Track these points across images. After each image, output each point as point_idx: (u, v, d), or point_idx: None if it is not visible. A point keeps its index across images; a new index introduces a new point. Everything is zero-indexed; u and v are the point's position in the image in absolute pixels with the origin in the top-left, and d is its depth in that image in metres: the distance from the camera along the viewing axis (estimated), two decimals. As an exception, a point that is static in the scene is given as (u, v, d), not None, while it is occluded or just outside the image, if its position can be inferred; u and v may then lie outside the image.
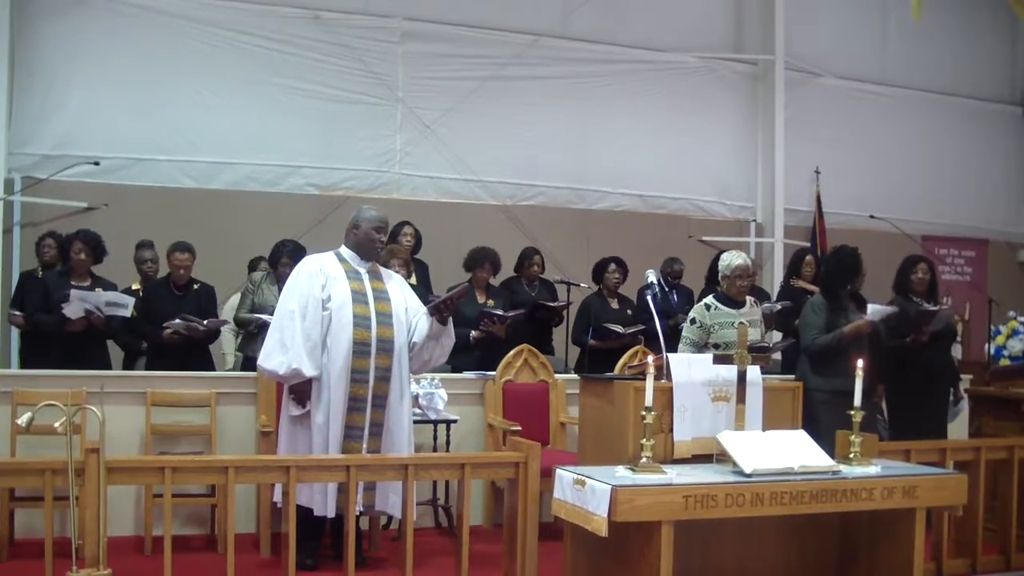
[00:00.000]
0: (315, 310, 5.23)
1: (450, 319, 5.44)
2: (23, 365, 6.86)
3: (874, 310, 6.27)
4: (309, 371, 5.18)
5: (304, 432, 5.27)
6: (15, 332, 8.16)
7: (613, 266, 7.84)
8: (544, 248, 8.37)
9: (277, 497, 5.41)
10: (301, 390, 5.24)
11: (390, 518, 6.07)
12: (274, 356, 5.21)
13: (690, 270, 8.53)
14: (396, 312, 5.38)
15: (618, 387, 5.01)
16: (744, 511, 4.17)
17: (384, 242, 5.54)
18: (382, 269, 5.61)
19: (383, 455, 5.18)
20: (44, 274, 7.18)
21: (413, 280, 6.64)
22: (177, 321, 6.46)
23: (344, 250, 5.50)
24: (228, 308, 7.58)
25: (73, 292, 6.35)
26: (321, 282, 5.28)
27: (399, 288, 5.55)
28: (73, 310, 6.31)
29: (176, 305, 6.61)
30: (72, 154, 8.45)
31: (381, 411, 5.29)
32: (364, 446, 5.23)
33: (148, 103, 8.73)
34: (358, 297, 5.30)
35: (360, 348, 5.23)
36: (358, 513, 5.15)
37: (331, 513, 5.17)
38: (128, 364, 7.27)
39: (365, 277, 5.41)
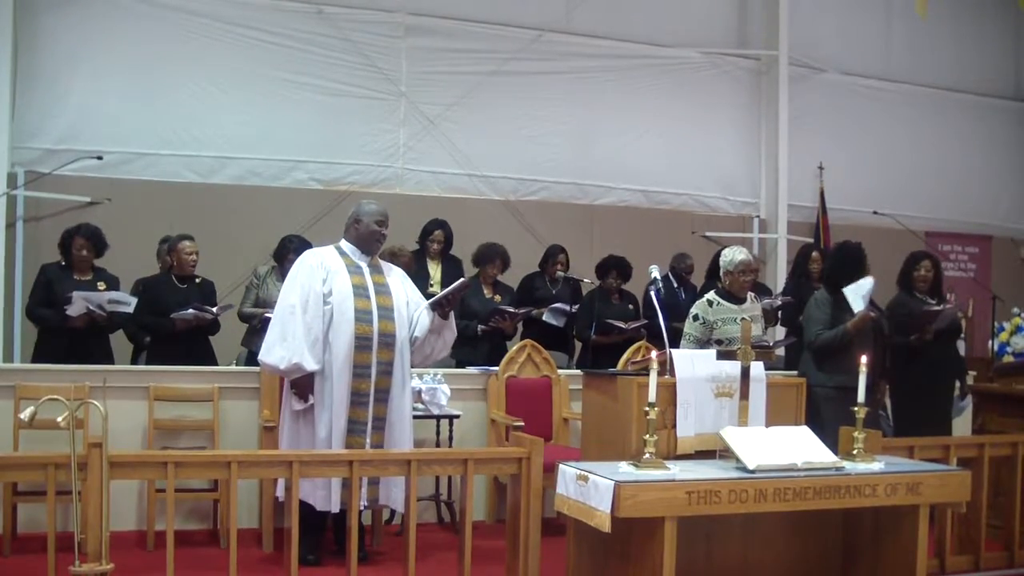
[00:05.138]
0: (316, 304, 5.22)
1: (451, 313, 5.44)
2: (34, 359, 6.83)
3: (851, 293, 6.16)
4: (310, 365, 5.16)
5: (307, 427, 5.27)
6: (18, 326, 8.17)
7: (615, 272, 7.82)
8: (547, 243, 8.35)
9: (280, 492, 5.42)
10: (302, 384, 5.22)
11: (392, 513, 6.07)
12: (275, 350, 5.19)
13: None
14: (397, 306, 5.37)
15: (621, 383, 5.01)
16: (747, 507, 4.17)
17: (385, 235, 5.51)
18: (382, 263, 5.60)
19: (385, 450, 5.18)
20: (46, 268, 7.16)
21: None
22: (189, 311, 6.47)
23: (344, 244, 5.49)
24: None
25: (76, 294, 6.35)
26: (322, 276, 5.27)
27: (400, 281, 5.54)
28: (76, 310, 6.33)
29: (180, 297, 6.62)
30: (75, 148, 8.43)
31: (384, 405, 5.29)
32: (368, 440, 5.23)
33: (151, 97, 8.71)
34: (359, 291, 5.29)
35: (362, 342, 5.22)
36: (362, 508, 5.16)
37: (335, 508, 5.16)
38: (135, 358, 7.27)
39: (366, 271, 5.40)
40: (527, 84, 9.94)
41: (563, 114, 10.10)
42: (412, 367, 5.59)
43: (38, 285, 6.68)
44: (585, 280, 8.10)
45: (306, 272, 5.31)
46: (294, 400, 5.29)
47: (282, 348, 5.18)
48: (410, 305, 5.45)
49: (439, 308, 5.35)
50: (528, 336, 7.36)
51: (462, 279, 5.53)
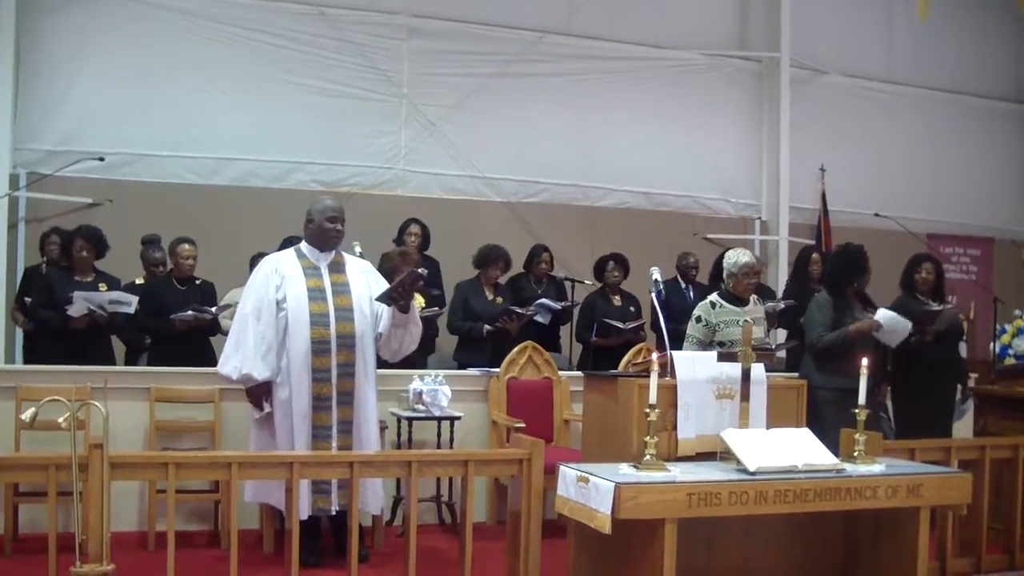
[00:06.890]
0: (269, 312, 5.22)
1: (413, 306, 5.35)
2: (27, 360, 6.85)
3: (883, 315, 6.23)
4: (260, 374, 5.18)
5: (271, 435, 5.26)
6: (20, 327, 8.18)
7: (612, 264, 7.83)
8: (549, 245, 8.35)
9: (248, 497, 5.40)
10: (256, 394, 5.24)
11: (393, 515, 6.08)
12: (229, 360, 5.23)
13: (694, 268, 8.50)
14: (358, 305, 5.32)
15: (622, 384, 5.01)
16: (748, 509, 4.17)
17: (341, 231, 5.43)
18: (346, 257, 5.54)
19: (386, 452, 5.18)
20: (48, 270, 7.19)
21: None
22: (188, 313, 6.48)
23: (304, 245, 5.47)
24: (228, 299, 7.57)
25: (76, 294, 6.36)
26: (276, 283, 5.26)
27: (363, 277, 5.47)
28: (77, 310, 6.34)
29: (179, 299, 6.63)
30: (76, 150, 8.43)
31: (349, 408, 5.27)
32: (334, 444, 5.21)
33: (152, 99, 8.71)
34: (315, 295, 5.26)
35: (319, 347, 5.20)
36: (335, 512, 5.14)
37: (304, 514, 5.12)
38: (131, 360, 7.27)
39: (324, 272, 5.37)
40: (529, 86, 9.94)
41: (564, 116, 10.10)
42: (386, 363, 5.55)
43: (34, 288, 6.70)
44: (586, 282, 8.09)
45: (260, 280, 5.31)
46: (252, 409, 5.31)
47: (235, 358, 5.21)
48: (373, 300, 5.39)
49: (391, 302, 5.24)
50: (519, 338, 7.32)
51: (412, 270, 5.40)
